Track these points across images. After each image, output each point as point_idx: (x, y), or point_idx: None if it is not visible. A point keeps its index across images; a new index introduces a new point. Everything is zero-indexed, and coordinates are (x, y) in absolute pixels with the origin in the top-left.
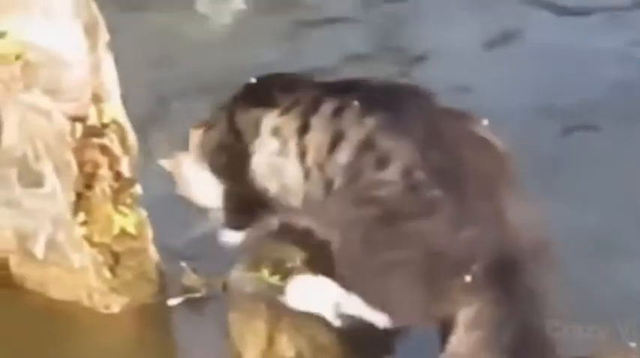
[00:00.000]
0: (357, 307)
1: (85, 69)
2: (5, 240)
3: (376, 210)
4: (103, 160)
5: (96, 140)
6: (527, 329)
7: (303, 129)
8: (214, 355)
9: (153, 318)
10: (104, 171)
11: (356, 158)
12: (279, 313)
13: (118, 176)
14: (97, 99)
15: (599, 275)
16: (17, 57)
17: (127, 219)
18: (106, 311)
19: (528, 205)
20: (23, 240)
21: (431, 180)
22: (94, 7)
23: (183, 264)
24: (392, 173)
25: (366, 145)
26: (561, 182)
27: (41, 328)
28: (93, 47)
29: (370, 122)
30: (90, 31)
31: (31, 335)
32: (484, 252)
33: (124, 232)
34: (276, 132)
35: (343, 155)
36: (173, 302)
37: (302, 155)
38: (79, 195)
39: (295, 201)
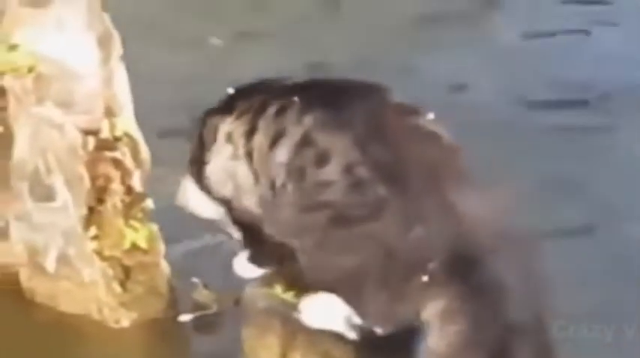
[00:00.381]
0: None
1: (97, 81)
2: (16, 254)
3: (325, 214)
4: (115, 174)
5: (108, 153)
6: (508, 324)
7: (251, 132)
8: None
9: (163, 334)
10: (116, 185)
11: (295, 156)
12: (292, 329)
13: (129, 190)
14: (109, 112)
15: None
16: (30, 69)
17: (139, 234)
18: (116, 326)
19: (487, 197)
20: (34, 254)
21: (373, 177)
22: (108, 20)
23: (195, 279)
24: (332, 170)
25: (305, 142)
26: None
27: (51, 342)
28: (106, 60)
29: (309, 119)
30: (103, 43)
31: (41, 349)
32: (439, 249)
33: (135, 246)
34: (229, 137)
35: (283, 153)
36: (184, 318)
37: (249, 157)
38: (91, 209)
39: (252, 206)
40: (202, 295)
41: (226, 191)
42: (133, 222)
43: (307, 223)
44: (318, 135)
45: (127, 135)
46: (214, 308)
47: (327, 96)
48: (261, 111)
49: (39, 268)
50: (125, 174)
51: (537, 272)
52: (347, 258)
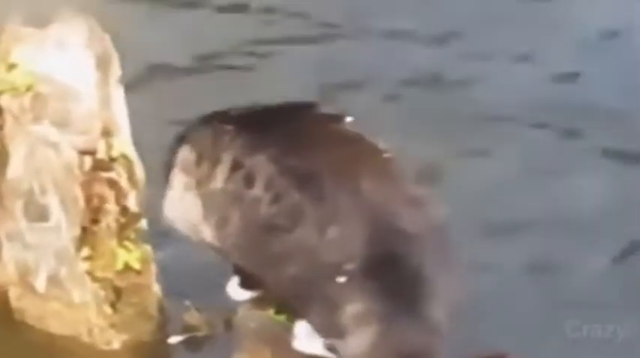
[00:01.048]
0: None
1: (95, 102)
2: (7, 273)
3: (258, 229)
4: (110, 194)
5: (104, 174)
6: (426, 324)
7: (197, 162)
8: None
9: (153, 355)
10: (111, 206)
11: (229, 180)
12: (284, 354)
13: (124, 211)
14: (106, 132)
15: None
16: (28, 88)
17: (132, 255)
18: (106, 348)
19: (409, 194)
20: (25, 274)
21: (288, 185)
22: (108, 41)
23: (187, 302)
24: (258, 188)
25: (235, 167)
26: None
27: None
28: (104, 80)
29: (236, 144)
30: (102, 64)
31: None
32: (356, 250)
33: (127, 267)
34: (183, 166)
35: (220, 179)
36: (174, 340)
37: (198, 186)
38: (84, 230)
39: (208, 238)
40: (193, 317)
41: (181, 226)
42: (126, 243)
43: (247, 241)
44: (244, 158)
45: (123, 156)
46: (205, 331)
47: (254, 120)
48: (205, 141)
49: (29, 288)
50: (120, 194)
51: (456, 269)
52: (287, 269)
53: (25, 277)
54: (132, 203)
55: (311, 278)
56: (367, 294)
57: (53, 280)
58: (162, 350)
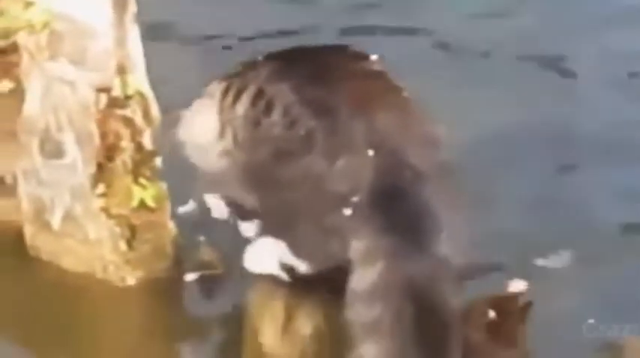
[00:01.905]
0: (286, 255)
1: (111, 39)
2: (22, 211)
3: (268, 152)
4: (126, 132)
5: (119, 111)
6: (432, 261)
7: (226, 90)
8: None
9: (167, 293)
10: (126, 143)
11: (250, 107)
12: (298, 293)
13: (139, 148)
14: (121, 70)
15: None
16: (44, 26)
17: (147, 192)
18: (120, 285)
19: (425, 133)
20: (40, 211)
21: (305, 114)
22: None
23: (201, 238)
24: (276, 115)
25: (258, 95)
26: None
27: (55, 300)
28: (120, 18)
29: (264, 73)
30: (118, 2)
31: (44, 307)
32: (363, 182)
33: (142, 205)
34: (209, 93)
35: (242, 106)
36: (189, 277)
37: (220, 111)
38: (100, 167)
39: (212, 158)
40: (208, 254)
41: (191, 150)
42: (141, 180)
43: (256, 164)
44: (267, 86)
45: (138, 93)
46: (220, 269)
47: (285, 55)
48: (235, 72)
49: (44, 225)
50: (135, 132)
51: (463, 206)
52: (286, 195)
53: (40, 214)
54: (147, 140)
55: (316, 207)
56: (373, 229)
57: (68, 217)
58: (176, 288)
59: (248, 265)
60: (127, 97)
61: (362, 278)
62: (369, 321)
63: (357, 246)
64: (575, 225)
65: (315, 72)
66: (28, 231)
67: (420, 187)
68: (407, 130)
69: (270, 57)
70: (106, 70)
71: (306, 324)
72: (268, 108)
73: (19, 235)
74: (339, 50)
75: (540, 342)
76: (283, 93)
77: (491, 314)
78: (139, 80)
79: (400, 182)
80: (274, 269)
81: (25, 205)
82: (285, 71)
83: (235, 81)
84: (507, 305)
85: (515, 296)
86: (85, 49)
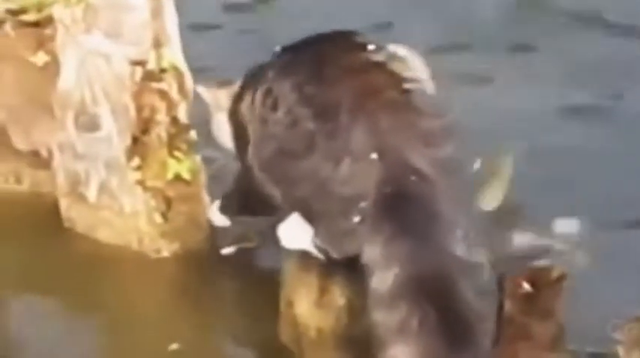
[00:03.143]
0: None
1: (146, 13)
2: (57, 183)
3: (275, 149)
4: (161, 105)
5: (154, 85)
6: (447, 260)
7: (241, 93)
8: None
9: (202, 265)
10: (161, 116)
11: (261, 106)
12: (332, 266)
13: (174, 121)
14: (157, 43)
15: None
16: None
17: (182, 165)
18: (155, 256)
19: (426, 129)
20: (75, 184)
21: (305, 115)
22: None
23: None
24: (280, 113)
25: (267, 93)
26: None
27: (90, 272)
28: None
29: (272, 72)
30: None
31: (79, 279)
32: (370, 186)
33: (177, 178)
34: (229, 95)
35: (256, 104)
36: (225, 251)
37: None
38: (135, 140)
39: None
40: (243, 228)
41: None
42: (176, 153)
43: (268, 162)
44: (274, 85)
45: (173, 66)
46: (254, 241)
47: (290, 50)
48: (250, 74)
49: (80, 198)
50: (170, 105)
51: (470, 204)
52: (301, 193)
53: (75, 187)
54: (182, 114)
55: (328, 210)
56: (384, 237)
57: (104, 190)
58: (211, 260)
59: (282, 240)
60: (162, 71)
61: (380, 283)
62: (395, 324)
63: (370, 253)
64: None
65: (316, 68)
66: (64, 203)
67: (427, 189)
68: (410, 129)
69: (281, 52)
70: (142, 43)
71: (339, 296)
72: (274, 106)
73: (54, 207)
74: (341, 39)
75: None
76: (286, 91)
77: (527, 286)
78: (174, 53)
79: (407, 187)
80: (307, 245)
81: (61, 178)
82: (289, 67)
83: (248, 81)
84: (542, 278)
85: (550, 269)
86: (120, 22)
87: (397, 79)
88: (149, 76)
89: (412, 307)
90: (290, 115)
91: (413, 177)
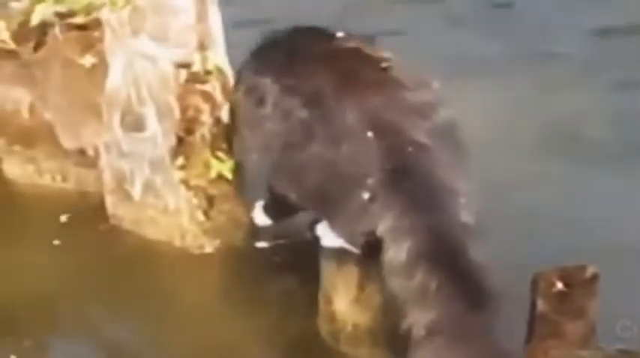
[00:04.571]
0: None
1: (192, 16)
2: (104, 181)
3: (277, 143)
4: (205, 106)
5: (199, 86)
6: (456, 229)
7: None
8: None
9: (243, 261)
10: (205, 117)
11: (246, 102)
12: (369, 260)
13: (218, 122)
14: (202, 46)
15: None
16: (127, 2)
17: (224, 165)
18: (198, 252)
19: (413, 102)
20: (121, 182)
21: (294, 105)
22: None
23: None
24: (268, 108)
25: (251, 89)
26: None
27: (134, 267)
28: None
29: (251, 68)
30: None
31: (125, 274)
32: (373, 163)
33: (220, 177)
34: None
35: (242, 104)
36: (260, 244)
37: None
38: (179, 140)
39: None
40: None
41: None
42: (219, 153)
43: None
44: (255, 81)
45: (217, 69)
46: (293, 237)
47: (267, 45)
48: (238, 74)
49: (125, 195)
50: (214, 106)
51: (469, 171)
52: (306, 178)
53: (121, 185)
54: (225, 115)
55: (338, 193)
56: (395, 212)
57: (148, 188)
58: (252, 256)
59: (321, 239)
60: (207, 73)
61: (396, 255)
62: (414, 290)
63: (383, 228)
64: None
65: (290, 60)
66: (109, 201)
67: (428, 160)
68: (398, 103)
69: (253, 53)
70: (187, 46)
71: (377, 293)
72: (260, 101)
73: (100, 205)
74: (309, 31)
75: None
76: (269, 86)
77: (559, 285)
78: (218, 56)
79: (407, 160)
80: (343, 243)
81: (107, 176)
82: (264, 65)
83: (236, 81)
84: (575, 277)
85: (583, 268)
86: (166, 25)
87: (373, 60)
88: (194, 78)
89: (428, 275)
90: (278, 109)
91: (410, 148)
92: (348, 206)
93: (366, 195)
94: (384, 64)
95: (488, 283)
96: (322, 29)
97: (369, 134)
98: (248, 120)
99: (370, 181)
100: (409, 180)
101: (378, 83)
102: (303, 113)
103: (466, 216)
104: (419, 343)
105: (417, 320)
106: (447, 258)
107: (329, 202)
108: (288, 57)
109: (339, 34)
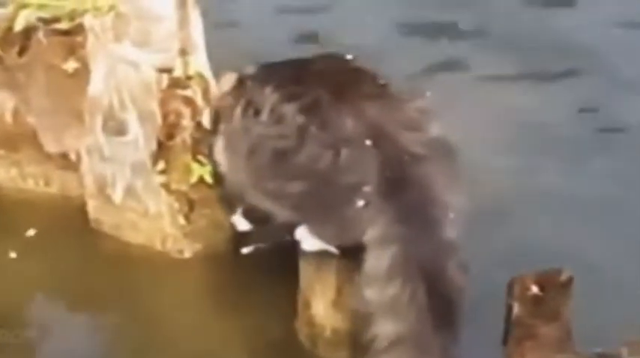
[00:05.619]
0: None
1: (173, 22)
2: (85, 185)
3: (266, 154)
4: (186, 111)
5: (180, 91)
6: (439, 243)
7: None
8: (282, 303)
9: (224, 265)
10: (186, 122)
11: (242, 117)
12: (348, 264)
13: (199, 127)
14: (183, 52)
15: None
16: (110, 8)
17: (205, 169)
18: (178, 257)
19: (411, 116)
20: (102, 186)
21: (292, 110)
22: None
23: None
24: (264, 115)
25: (248, 104)
26: None
27: (116, 271)
28: (182, 1)
29: (249, 86)
30: None
31: (105, 278)
32: (370, 171)
33: (201, 181)
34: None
35: (237, 118)
36: (245, 250)
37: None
38: (160, 144)
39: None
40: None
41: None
42: (200, 158)
43: (259, 170)
44: (254, 96)
45: (198, 74)
46: (273, 242)
47: (265, 66)
48: (233, 89)
49: (106, 200)
50: (195, 111)
51: (461, 186)
52: (294, 186)
53: (102, 189)
54: (206, 120)
55: (330, 201)
56: (386, 219)
57: (129, 192)
58: (232, 260)
59: (301, 242)
60: (188, 78)
61: (378, 261)
62: (387, 300)
63: (372, 234)
64: None
65: (292, 72)
66: (91, 205)
67: (421, 171)
68: (393, 116)
69: (255, 71)
70: (169, 51)
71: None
72: (257, 113)
73: (82, 209)
74: (317, 57)
75: None
76: (267, 95)
77: (534, 289)
78: (199, 61)
79: (403, 169)
80: (323, 246)
81: (88, 180)
82: (267, 78)
83: (232, 96)
84: (550, 281)
85: (558, 272)
86: (149, 31)
87: (372, 76)
88: (175, 83)
89: (405, 283)
90: (274, 114)
91: (407, 160)
92: (342, 212)
93: (360, 203)
94: (382, 81)
95: (458, 301)
96: (331, 53)
97: (367, 142)
98: (236, 124)
99: (367, 188)
100: (403, 190)
101: (373, 95)
102: (300, 118)
103: (451, 232)
104: (377, 353)
105: (383, 330)
106: (424, 274)
107: (319, 207)
108: (289, 70)
109: (349, 56)
